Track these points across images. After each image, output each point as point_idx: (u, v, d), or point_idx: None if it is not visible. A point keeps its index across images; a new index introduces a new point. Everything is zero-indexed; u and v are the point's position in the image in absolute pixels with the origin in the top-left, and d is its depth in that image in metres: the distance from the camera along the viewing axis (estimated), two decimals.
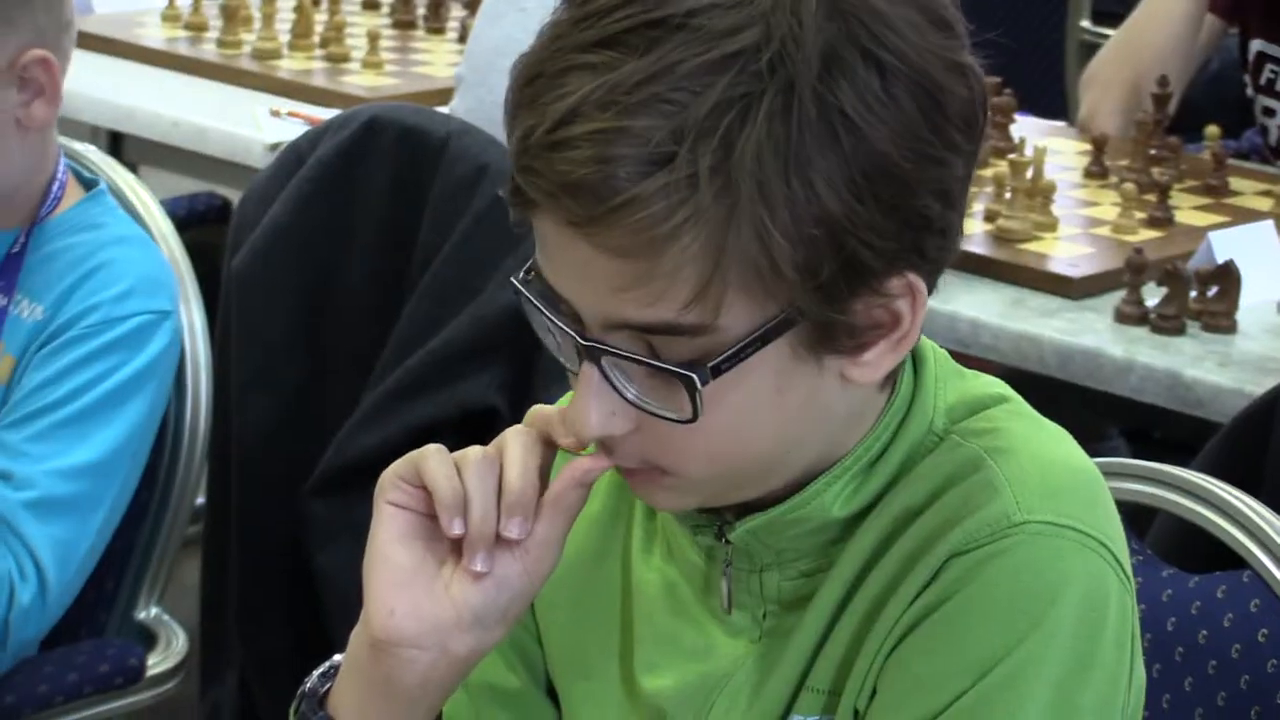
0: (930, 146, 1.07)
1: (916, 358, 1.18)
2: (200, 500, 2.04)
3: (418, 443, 1.34)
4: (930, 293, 1.12)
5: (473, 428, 1.97)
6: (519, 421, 1.16)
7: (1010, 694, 1.11)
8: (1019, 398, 1.21)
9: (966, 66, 1.08)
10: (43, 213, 1.88)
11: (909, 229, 1.08)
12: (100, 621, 1.98)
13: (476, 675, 1.24)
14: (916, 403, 1.18)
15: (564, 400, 1.14)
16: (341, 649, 1.35)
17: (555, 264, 1.10)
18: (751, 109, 1.03)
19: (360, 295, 2.14)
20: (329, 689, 1.21)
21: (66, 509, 1.81)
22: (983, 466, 1.15)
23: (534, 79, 1.07)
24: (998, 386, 1.21)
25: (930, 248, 1.10)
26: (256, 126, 2.62)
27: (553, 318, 1.09)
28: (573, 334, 1.09)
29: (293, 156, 2.17)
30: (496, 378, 1.98)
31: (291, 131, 2.44)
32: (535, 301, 1.11)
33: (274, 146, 2.50)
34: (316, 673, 1.23)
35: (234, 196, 2.57)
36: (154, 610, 2.01)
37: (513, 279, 1.13)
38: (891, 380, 1.16)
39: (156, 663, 1.95)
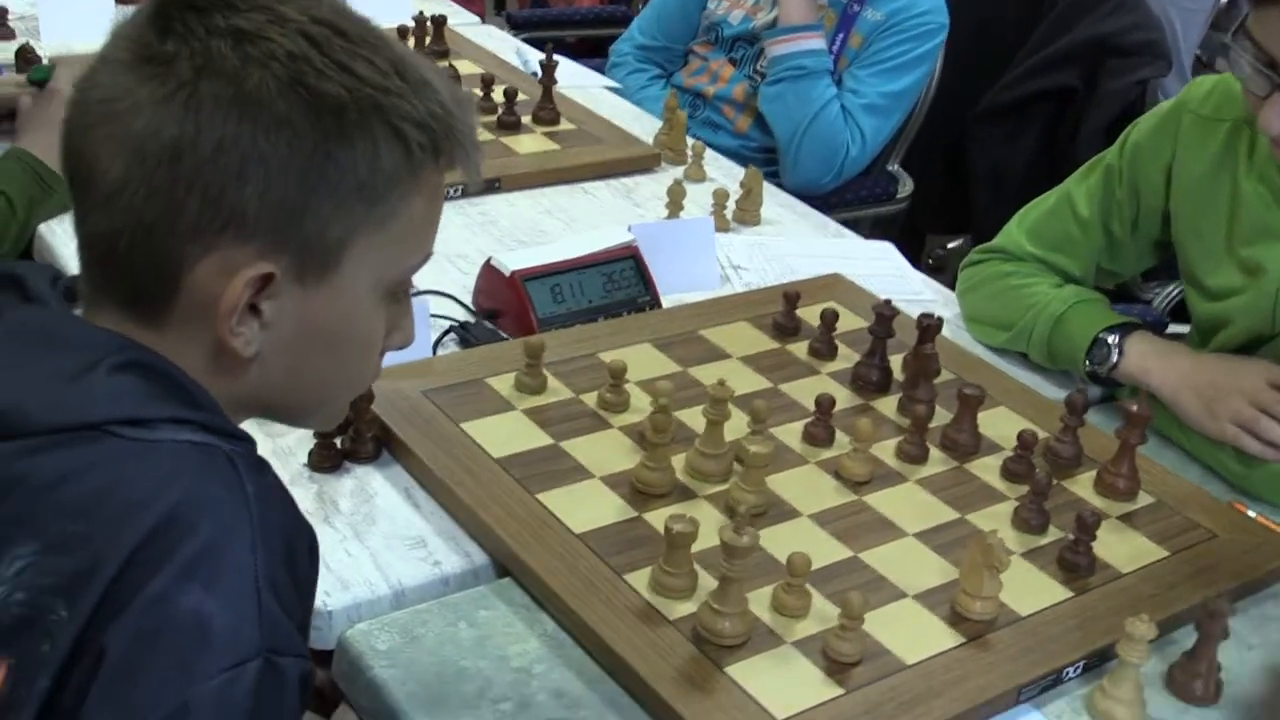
0: None
1: None
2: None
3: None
4: None
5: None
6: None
7: None
8: None
9: None
10: None
11: None
12: (877, 168, 2.90)
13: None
14: None
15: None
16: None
17: (1272, 36, 1.40)
18: None
19: (1008, 26, 3.04)
20: None
21: (879, 112, 2.62)
22: None
23: None
24: None
25: None
26: None
27: (1258, 64, 1.43)
28: (1271, 75, 1.42)
29: None
30: (1074, 73, 2.87)
31: None
32: (1242, 52, 1.44)
33: None
34: None
35: None
36: (896, 166, 3.00)
37: (1226, 39, 1.48)
38: None
39: (901, 192, 2.95)
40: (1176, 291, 2.41)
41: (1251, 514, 1.60)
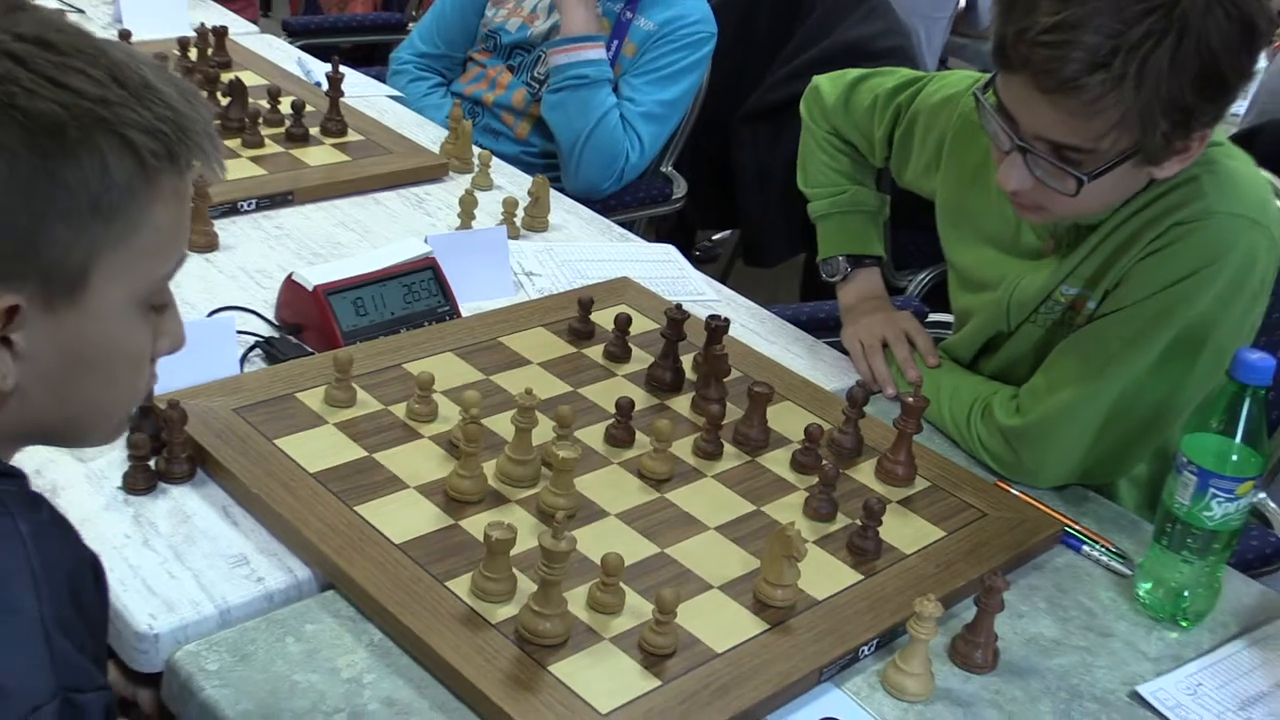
0: (1240, 79, 1.39)
1: None
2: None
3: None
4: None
5: None
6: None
7: (1182, 301, 1.48)
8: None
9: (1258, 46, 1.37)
10: None
11: (1219, 112, 1.39)
12: (652, 170, 2.93)
13: None
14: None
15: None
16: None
17: (1014, 101, 1.42)
18: (1161, 42, 1.30)
19: (767, 32, 3.08)
20: None
21: (656, 119, 2.69)
22: (1197, 197, 1.50)
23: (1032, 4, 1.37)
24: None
25: (1220, 117, 1.41)
26: None
27: (1000, 123, 1.45)
28: (1011, 135, 1.45)
29: None
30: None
31: None
32: (989, 109, 1.47)
33: None
34: None
35: None
36: (669, 168, 3.03)
37: (974, 91, 1.51)
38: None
39: (676, 193, 2.99)
40: (929, 277, 2.55)
41: (1014, 492, 1.71)
